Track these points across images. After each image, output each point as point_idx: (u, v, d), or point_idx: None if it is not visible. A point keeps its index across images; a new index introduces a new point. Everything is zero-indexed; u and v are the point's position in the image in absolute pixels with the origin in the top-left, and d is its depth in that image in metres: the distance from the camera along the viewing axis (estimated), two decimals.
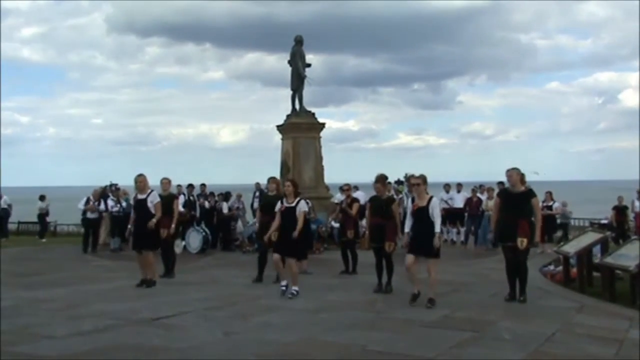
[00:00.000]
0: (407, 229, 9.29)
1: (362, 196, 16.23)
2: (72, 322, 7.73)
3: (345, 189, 13.73)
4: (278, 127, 20.85)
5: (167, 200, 11.78)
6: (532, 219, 9.19)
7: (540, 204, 11.20)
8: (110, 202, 17.85)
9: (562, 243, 12.60)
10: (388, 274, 10.23)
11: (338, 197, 17.60)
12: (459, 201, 19.12)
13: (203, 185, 19.05)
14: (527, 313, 8.43)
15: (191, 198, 17.68)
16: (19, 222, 27.61)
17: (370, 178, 10.81)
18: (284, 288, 9.66)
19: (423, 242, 8.86)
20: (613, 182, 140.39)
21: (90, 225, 17.66)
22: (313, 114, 20.69)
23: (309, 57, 20.61)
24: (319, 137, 20.58)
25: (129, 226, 11.29)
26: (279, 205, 10.02)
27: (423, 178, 9.22)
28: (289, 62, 20.46)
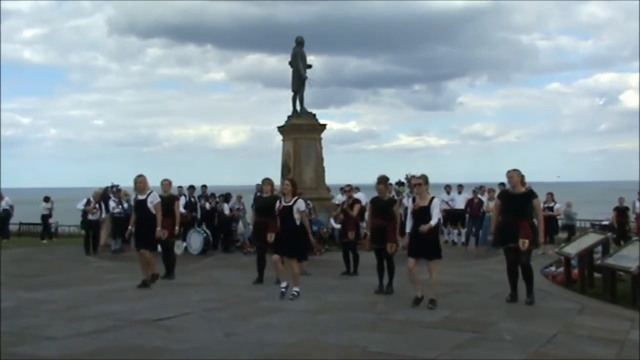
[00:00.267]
0: (407, 229, 9.29)
1: (363, 197, 16.23)
2: (72, 323, 7.72)
3: (347, 189, 13.73)
4: (279, 128, 20.85)
5: (168, 201, 11.78)
6: (534, 220, 9.18)
7: (542, 205, 11.19)
8: (111, 204, 17.86)
9: (562, 244, 12.59)
10: (389, 275, 10.23)
11: (339, 198, 17.61)
12: (459, 202, 19.12)
13: (204, 186, 19.07)
14: (528, 314, 8.42)
15: (192, 199, 17.70)
16: (21, 223, 27.62)
17: (371, 179, 10.82)
18: (284, 290, 9.65)
19: (423, 244, 8.85)
20: (614, 183, 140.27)
21: (90, 227, 17.65)
22: (314, 115, 20.70)
23: (310, 59, 20.65)
24: (320, 139, 20.59)
25: (130, 227, 11.29)
26: (277, 204, 10.04)
27: (424, 178, 9.20)
28: (290, 63, 20.47)
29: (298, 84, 20.28)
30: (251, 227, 13.79)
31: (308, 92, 20.71)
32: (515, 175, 9.27)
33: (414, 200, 9.26)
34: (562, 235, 18.73)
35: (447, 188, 19.87)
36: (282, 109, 22.78)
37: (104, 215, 18.01)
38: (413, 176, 9.33)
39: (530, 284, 9.19)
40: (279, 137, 21.04)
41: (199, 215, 17.61)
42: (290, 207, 9.76)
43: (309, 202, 16.37)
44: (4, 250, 17.23)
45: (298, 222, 9.73)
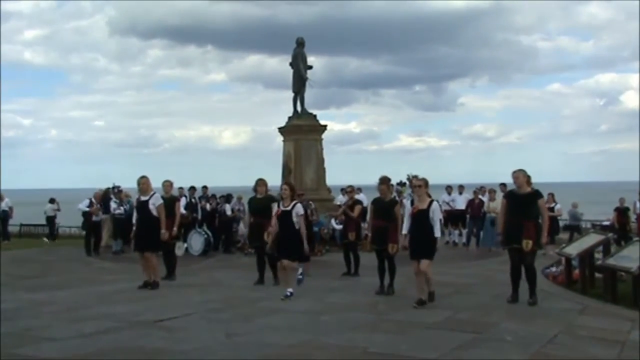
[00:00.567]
0: (405, 230, 9.30)
1: (363, 199, 16.22)
2: (73, 324, 7.72)
3: (348, 190, 13.72)
4: (280, 129, 20.86)
5: (169, 202, 11.78)
6: (539, 220, 9.17)
7: None
8: (112, 204, 17.86)
9: (563, 245, 12.58)
10: (390, 275, 10.23)
11: (340, 199, 17.61)
12: (460, 203, 19.12)
13: (205, 187, 19.08)
14: (529, 314, 8.41)
15: (193, 200, 17.71)
16: (21, 225, 27.62)
17: (371, 180, 10.82)
18: (288, 294, 9.62)
19: (421, 246, 8.90)
20: (614, 183, 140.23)
21: (92, 228, 17.66)
22: (315, 116, 20.71)
23: (311, 59, 20.66)
24: (321, 139, 20.59)
25: (134, 228, 11.27)
26: (275, 208, 10.04)
27: (425, 181, 9.22)
28: (291, 64, 20.48)
29: (299, 84, 20.28)
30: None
31: (309, 93, 20.72)
32: (521, 175, 9.25)
33: (412, 202, 9.28)
34: (563, 235, 18.72)
35: (448, 189, 19.88)
36: (283, 109, 22.84)
37: (103, 216, 18.00)
38: (415, 176, 9.34)
39: (533, 284, 9.18)
40: (280, 138, 21.05)
41: (199, 216, 17.62)
42: (289, 212, 9.77)
43: (311, 202, 16.39)
44: (4, 251, 17.23)
45: (297, 226, 9.75)
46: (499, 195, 17.28)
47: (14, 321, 7.87)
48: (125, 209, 17.51)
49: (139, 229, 10.91)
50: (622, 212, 20.30)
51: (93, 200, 17.79)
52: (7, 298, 9.60)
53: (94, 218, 17.58)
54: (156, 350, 6.50)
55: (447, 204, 18.46)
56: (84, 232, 18.60)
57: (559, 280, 11.44)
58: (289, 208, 9.82)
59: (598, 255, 10.99)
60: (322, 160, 20.39)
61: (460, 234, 19.20)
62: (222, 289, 10.86)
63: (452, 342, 6.87)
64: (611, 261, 9.81)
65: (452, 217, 18.82)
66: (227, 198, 18.58)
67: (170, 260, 12.08)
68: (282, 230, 9.80)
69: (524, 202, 9.16)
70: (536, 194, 9.26)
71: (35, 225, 28.06)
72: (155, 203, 10.81)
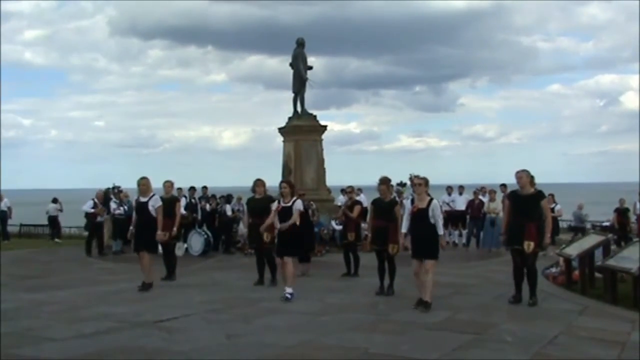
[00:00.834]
0: (404, 229, 9.28)
1: (364, 199, 16.22)
2: (73, 325, 7.72)
3: (348, 191, 13.71)
4: (280, 129, 20.86)
5: (170, 202, 11.79)
6: (543, 221, 9.15)
7: None
8: (112, 205, 17.86)
9: (563, 246, 12.59)
10: (390, 276, 10.23)
11: (340, 199, 17.62)
12: (460, 203, 19.12)
13: (205, 187, 19.08)
14: (530, 315, 8.41)
15: (193, 201, 17.71)
16: (21, 225, 27.62)
17: (372, 180, 10.81)
18: (288, 296, 9.60)
19: (422, 246, 8.86)
20: (615, 184, 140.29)
21: (96, 229, 17.67)
22: (315, 116, 20.71)
23: (311, 60, 20.66)
24: (321, 140, 20.59)
25: (131, 228, 11.28)
26: (275, 204, 10.05)
27: (425, 180, 9.21)
28: (291, 64, 20.48)
29: (299, 85, 20.28)
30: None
31: (309, 94, 20.72)
32: (524, 175, 9.22)
33: (412, 201, 9.27)
34: (564, 236, 18.71)
35: (449, 189, 19.87)
36: (283, 110, 22.87)
37: (110, 210, 17.98)
38: (416, 176, 9.32)
39: (533, 285, 9.19)
40: (280, 139, 21.05)
41: (199, 217, 17.62)
42: (290, 208, 9.79)
43: (312, 202, 16.39)
44: (4, 251, 17.23)
45: (298, 222, 9.76)
46: (499, 196, 17.31)
47: (14, 321, 7.87)
48: (125, 209, 17.52)
49: (139, 230, 10.90)
50: (622, 212, 20.30)
51: (96, 200, 17.77)
52: (8, 298, 9.60)
53: (99, 219, 17.59)
54: (156, 351, 6.51)
55: (447, 204, 18.45)
56: (86, 233, 18.59)
57: (559, 281, 11.44)
58: (289, 204, 9.84)
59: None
60: (322, 161, 20.39)
61: (460, 235, 19.20)
62: (222, 290, 10.85)
63: (452, 342, 6.87)
64: (611, 262, 9.81)
65: (452, 218, 18.81)
66: (228, 198, 18.58)
67: (170, 260, 12.07)
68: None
69: (526, 203, 9.15)
70: (539, 195, 9.25)
71: (35, 226, 28.06)
72: (154, 205, 10.79)
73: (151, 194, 10.89)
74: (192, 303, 9.33)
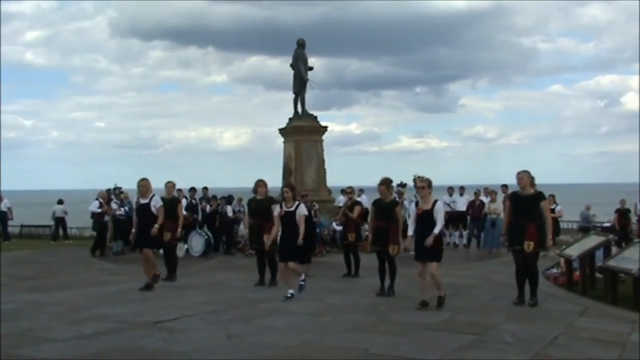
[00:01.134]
0: (411, 232, 9.28)
1: (365, 200, 16.23)
2: (74, 326, 7.71)
3: (348, 191, 13.71)
4: (280, 130, 20.88)
5: (171, 203, 11.80)
6: (543, 222, 9.15)
7: None
8: (113, 205, 17.89)
9: (564, 247, 12.58)
10: (391, 277, 10.22)
11: (341, 199, 17.63)
12: (461, 204, 19.13)
13: (205, 188, 19.10)
14: (530, 316, 8.41)
15: (193, 201, 17.73)
16: (22, 225, 27.63)
17: (372, 181, 10.82)
18: (289, 295, 9.61)
19: (427, 248, 8.86)
20: (615, 185, 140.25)
21: (104, 229, 17.71)
22: (315, 117, 20.73)
23: (311, 61, 20.72)
24: (321, 141, 20.61)
25: (133, 230, 11.26)
26: (277, 209, 10.02)
27: (428, 182, 9.19)
28: (291, 65, 20.51)
29: (299, 86, 20.31)
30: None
31: (309, 94, 20.76)
32: (525, 176, 9.23)
33: (417, 204, 9.26)
34: (564, 237, 18.69)
35: (450, 190, 19.87)
36: (284, 111, 22.92)
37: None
38: (420, 178, 9.31)
39: (534, 286, 9.19)
40: (281, 139, 21.08)
41: (200, 218, 17.63)
42: (293, 213, 9.76)
43: (314, 203, 16.42)
44: (4, 252, 17.24)
45: (302, 228, 9.74)
46: (500, 197, 17.32)
47: (15, 322, 7.87)
48: (125, 210, 17.54)
49: (140, 231, 10.88)
50: (622, 213, 20.31)
51: (101, 201, 17.80)
52: (8, 299, 9.60)
53: (106, 218, 17.63)
54: (156, 351, 6.50)
55: (448, 205, 18.44)
56: (93, 233, 18.63)
57: (559, 282, 11.44)
58: (292, 209, 9.82)
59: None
60: (322, 162, 20.41)
61: (461, 236, 19.20)
62: (222, 290, 10.85)
63: (452, 343, 6.87)
64: (612, 263, 9.81)
65: (453, 219, 18.82)
66: (229, 199, 18.60)
67: (171, 261, 12.08)
68: (285, 232, 9.78)
69: (527, 204, 9.15)
70: (539, 196, 9.25)
71: (36, 226, 28.08)
72: (155, 205, 10.80)
73: (151, 194, 10.89)
74: (192, 304, 9.33)
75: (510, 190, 12.07)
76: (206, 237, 17.07)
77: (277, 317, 8.34)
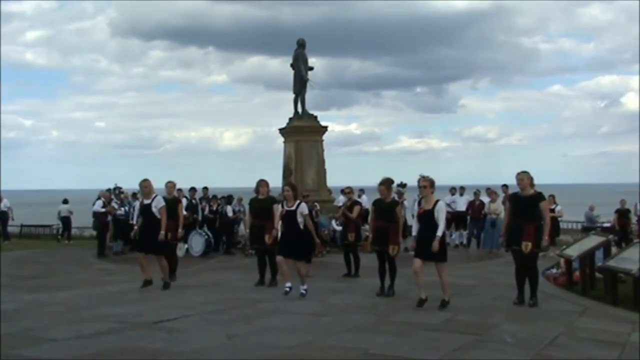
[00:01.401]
0: (414, 232, 9.27)
1: (365, 201, 16.23)
2: (74, 325, 7.71)
3: (347, 191, 13.71)
4: (281, 130, 20.89)
5: (172, 203, 11.80)
6: (542, 222, 9.17)
7: None
8: (114, 205, 17.89)
9: (564, 247, 12.59)
10: (391, 277, 10.22)
11: (341, 199, 17.63)
12: (461, 204, 19.13)
13: (205, 188, 19.10)
14: (530, 316, 8.41)
15: (193, 201, 17.73)
16: (22, 225, 27.63)
17: (372, 181, 10.81)
18: (287, 289, 9.64)
19: (429, 247, 8.85)
20: (615, 185, 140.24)
21: (106, 229, 17.72)
22: (315, 117, 20.74)
23: (312, 61, 20.75)
24: (322, 141, 20.63)
25: (135, 228, 11.25)
26: (279, 208, 10.04)
27: (430, 181, 9.18)
28: (292, 65, 20.51)
29: (299, 86, 20.32)
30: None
31: (309, 94, 20.78)
32: (525, 177, 9.25)
33: (419, 203, 9.25)
34: (564, 237, 18.70)
35: (452, 190, 19.82)
36: (284, 111, 22.98)
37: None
38: (423, 177, 9.29)
39: (534, 286, 9.20)
40: (281, 139, 21.09)
41: (200, 218, 17.64)
42: (294, 212, 9.77)
43: (316, 203, 16.43)
44: (4, 252, 17.25)
45: (302, 226, 9.76)
46: (501, 197, 17.32)
47: (15, 322, 7.87)
48: (125, 210, 17.55)
49: (143, 232, 10.89)
50: (622, 213, 20.32)
51: (104, 200, 17.81)
52: (8, 299, 9.60)
53: (108, 218, 17.64)
54: (157, 351, 6.50)
55: (448, 205, 18.44)
56: (94, 233, 18.63)
57: (559, 282, 11.45)
58: (293, 208, 9.83)
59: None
60: (322, 162, 20.42)
61: (461, 236, 19.20)
62: (222, 290, 10.86)
63: (452, 343, 6.87)
64: (612, 263, 9.81)
65: (453, 219, 18.83)
66: (229, 199, 18.60)
67: (171, 261, 12.06)
68: (287, 231, 9.79)
69: (526, 204, 9.17)
70: (538, 196, 9.26)
71: (36, 226, 28.09)
72: (157, 206, 10.80)
73: (153, 195, 10.90)
74: (192, 304, 9.33)
75: (510, 191, 12.08)
76: (206, 237, 17.07)
77: (278, 317, 8.34)
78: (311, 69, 20.48)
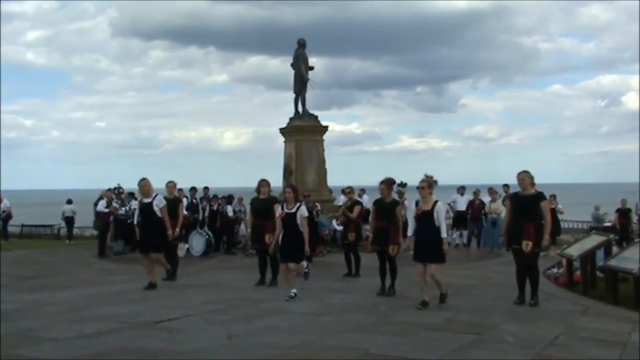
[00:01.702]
0: (410, 232, 9.27)
1: (366, 200, 16.22)
2: (74, 325, 7.71)
3: (347, 191, 13.70)
4: (281, 130, 20.89)
5: (172, 203, 11.81)
6: (543, 222, 9.16)
7: None
8: (115, 205, 17.89)
9: (565, 246, 12.58)
10: (391, 276, 10.22)
11: (342, 199, 17.63)
12: (461, 204, 19.11)
13: (206, 188, 19.10)
14: (530, 316, 8.40)
15: (194, 201, 17.73)
16: (23, 225, 27.66)
17: (373, 181, 10.80)
18: (292, 295, 9.60)
19: (426, 248, 8.84)
20: (616, 184, 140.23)
21: (108, 229, 17.72)
22: (316, 117, 20.75)
23: (312, 60, 20.76)
24: (322, 140, 20.63)
25: (137, 230, 11.25)
26: (279, 211, 10.00)
27: (428, 182, 9.14)
28: (292, 65, 20.51)
29: (300, 85, 20.32)
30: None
31: (310, 94, 20.79)
32: (526, 177, 9.24)
33: (417, 203, 9.23)
34: (565, 236, 18.69)
35: (461, 190, 19.70)
36: (284, 110, 23.04)
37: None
38: (426, 177, 9.28)
39: (535, 286, 9.20)
40: (281, 139, 21.09)
41: (201, 217, 17.64)
42: (294, 214, 9.74)
43: (317, 203, 16.41)
44: (4, 252, 17.25)
45: (302, 228, 9.73)
46: (501, 196, 17.30)
47: (15, 322, 7.87)
48: (126, 210, 17.55)
49: (144, 232, 10.88)
50: (623, 213, 20.32)
51: (107, 200, 17.81)
52: (8, 299, 9.60)
53: (111, 218, 17.66)
54: (157, 351, 6.50)
55: (449, 205, 18.44)
56: (96, 232, 18.63)
57: (560, 282, 11.44)
58: (293, 210, 9.78)
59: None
60: (323, 161, 20.42)
61: (461, 235, 19.20)
62: (223, 290, 10.85)
63: (453, 343, 6.86)
64: (612, 262, 9.80)
65: (453, 219, 18.82)
66: (229, 199, 18.60)
67: (172, 260, 12.07)
68: (287, 233, 9.76)
69: (526, 204, 9.16)
70: (539, 196, 9.26)
71: (36, 226, 28.12)
72: (158, 205, 10.80)
73: (154, 194, 10.90)
74: (193, 303, 9.32)
75: (511, 190, 12.08)
76: (207, 236, 17.07)
77: (278, 317, 8.33)
78: (311, 68, 20.48)
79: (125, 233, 17.00)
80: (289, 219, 9.75)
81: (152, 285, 10.67)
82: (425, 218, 8.94)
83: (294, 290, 9.60)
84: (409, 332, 7.45)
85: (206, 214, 17.81)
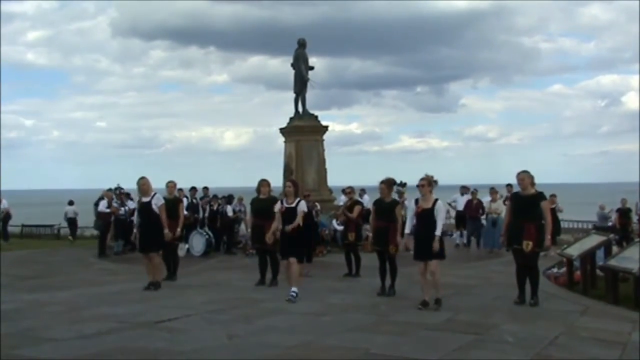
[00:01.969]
0: (407, 230, 9.27)
1: (367, 200, 16.22)
2: (74, 325, 7.71)
3: (347, 191, 13.70)
4: (281, 130, 20.88)
5: (173, 203, 11.81)
6: (543, 222, 9.16)
7: None
8: (115, 205, 17.89)
9: (565, 246, 12.58)
10: (391, 276, 10.21)
11: (342, 199, 17.63)
12: (461, 204, 19.10)
13: (206, 188, 19.09)
14: (531, 316, 8.40)
15: (194, 201, 17.73)
16: (23, 225, 27.66)
17: (373, 181, 10.79)
18: (293, 294, 9.58)
19: (426, 247, 8.85)
20: (616, 184, 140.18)
21: (109, 229, 17.73)
22: (316, 116, 20.74)
23: (312, 60, 20.75)
24: (322, 140, 20.62)
25: (135, 231, 11.26)
26: (278, 205, 9.99)
27: (428, 180, 9.14)
28: (292, 65, 20.51)
29: (300, 85, 20.32)
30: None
31: (310, 94, 20.77)
32: (526, 177, 9.25)
33: (417, 202, 9.23)
34: (565, 236, 18.69)
35: (464, 189, 19.69)
36: (284, 110, 23.05)
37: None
38: (428, 176, 9.27)
39: (535, 285, 9.20)
40: (281, 139, 21.09)
41: (201, 217, 17.64)
42: (294, 209, 9.74)
43: (317, 203, 16.41)
44: (4, 252, 17.25)
45: (301, 223, 9.73)
46: (502, 196, 17.29)
47: (15, 322, 7.87)
48: (126, 210, 17.56)
49: (143, 231, 10.89)
50: (623, 213, 20.31)
51: (108, 200, 17.82)
52: (8, 299, 9.60)
53: (112, 218, 17.67)
54: (157, 351, 6.50)
55: (449, 204, 18.43)
56: (95, 232, 18.64)
57: (560, 282, 11.44)
58: (293, 205, 9.79)
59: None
60: (323, 161, 20.41)
61: (461, 235, 19.19)
62: (223, 290, 10.85)
63: (453, 343, 6.86)
64: (612, 262, 9.80)
65: (455, 218, 18.81)
66: (229, 199, 18.60)
67: (172, 260, 12.08)
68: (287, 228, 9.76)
69: (527, 204, 9.17)
70: (539, 196, 9.26)
71: (37, 226, 28.11)
72: (157, 203, 10.81)
73: (153, 193, 10.90)
74: (193, 303, 9.32)
75: (513, 190, 12.08)
76: (207, 236, 17.07)
77: (278, 317, 8.33)
78: (312, 68, 20.47)
79: (126, 233, 17.00)
80: (289, 214, 9.74)
81: (153, 285, 10.65)
82: (426, 216, 8.94)
83: (295, 290, 9.56)
84: (409, 332, 7.45)
85: (206, 214, 17.82)
